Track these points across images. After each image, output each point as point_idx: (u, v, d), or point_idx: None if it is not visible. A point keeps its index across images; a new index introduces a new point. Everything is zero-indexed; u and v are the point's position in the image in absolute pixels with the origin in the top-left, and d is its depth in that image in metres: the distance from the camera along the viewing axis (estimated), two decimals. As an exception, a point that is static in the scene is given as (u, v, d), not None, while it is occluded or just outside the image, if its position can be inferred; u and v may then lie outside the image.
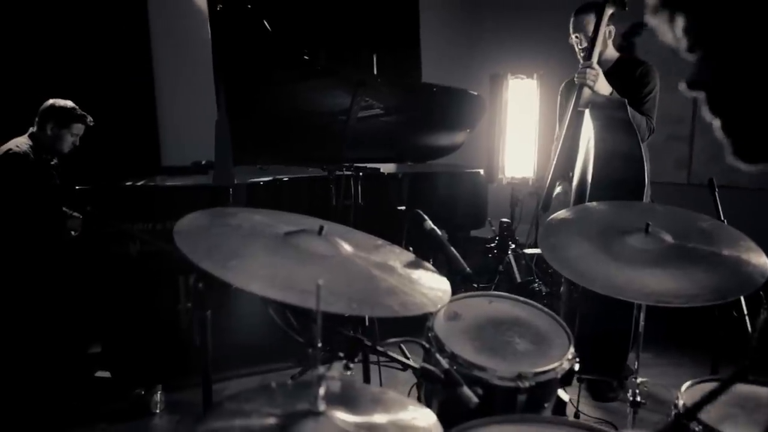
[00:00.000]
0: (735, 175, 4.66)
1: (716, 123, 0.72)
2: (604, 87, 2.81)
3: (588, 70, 2.76)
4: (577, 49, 2.99)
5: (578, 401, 2.50)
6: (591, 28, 2.85)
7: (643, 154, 2.91)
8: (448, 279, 1.44)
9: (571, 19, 2.98)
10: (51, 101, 3.37)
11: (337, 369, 1.02)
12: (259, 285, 1.10)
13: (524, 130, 4.05)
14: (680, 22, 0.69)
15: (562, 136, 2.94)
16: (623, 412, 2.02)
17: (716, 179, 2.44)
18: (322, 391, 0.99)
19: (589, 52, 2.81)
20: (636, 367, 1.85)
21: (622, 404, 2.39)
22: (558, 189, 3.10)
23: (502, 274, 3.40)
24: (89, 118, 3.40)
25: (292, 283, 1.13)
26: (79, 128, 3.40)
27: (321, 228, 1.37)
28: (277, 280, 1.14)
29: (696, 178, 5.39)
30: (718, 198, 2.30)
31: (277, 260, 1.23)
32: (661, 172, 5.60)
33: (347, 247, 1.38)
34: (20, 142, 3.32)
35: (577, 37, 2.97)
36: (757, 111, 0.69)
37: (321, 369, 1.01)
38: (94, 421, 2.84)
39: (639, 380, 1.83)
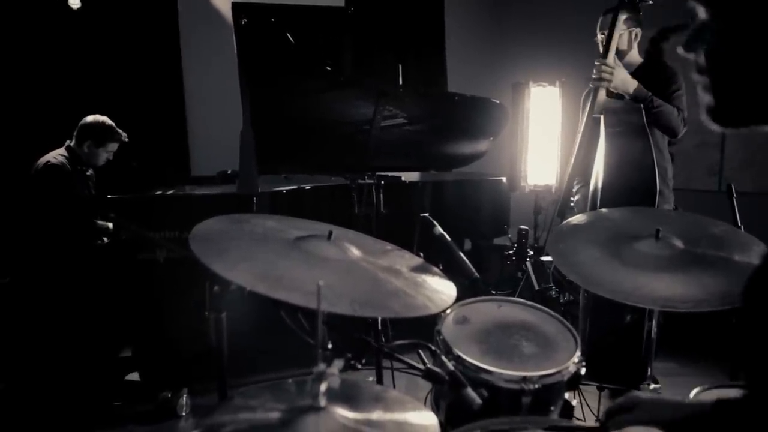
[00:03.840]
0: (766, 182, 4.58)
1: (702, 80, 0.74)
2: (623, 81, 2.75)
3: (603, 66, 2.73)
4: (600, 48, 2.98)
5: (598, 409, 2.50)
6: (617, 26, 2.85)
7: (661, 161, 2.89)
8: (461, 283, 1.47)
9: (600, 18, 2.98)
10: (90, 119, 3.52)
11: (337, 366, 1.06)
12: (266, 286, 1.16)
13: (547, 138, 4.05)
14: None
15: (578, 143, 2.94)
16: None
17: (747, 186, 2.42)
18: (323, 387, 1.04)
19: (604, 51, 2.78)
20: (649, 374, 1.85)
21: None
22: (576, 196, 3.10)
23: (523, 281, 3.40)
24: (124, 136, 3.57)
25: (298, 285, 1.18)
26: (113, 146, 3.57)
27: (330, 233, 1.42)
28: (283, 281, 1.19)
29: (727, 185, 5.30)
30: (736, 204, 2.29)
31: (285, 263, 1.28)
32: (692, 179, 5.54)
33: (355, 252, 1.43)
34: (57, 154, 3.47)
35: (603, 34, 2.95)
36: (749, 77, 0.71)
37: (322, 366, 1.05)
38: (123, 422, 2.94)
39: (652, 387, 1.83)
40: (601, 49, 2.95)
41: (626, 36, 2.91)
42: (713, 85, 0.74)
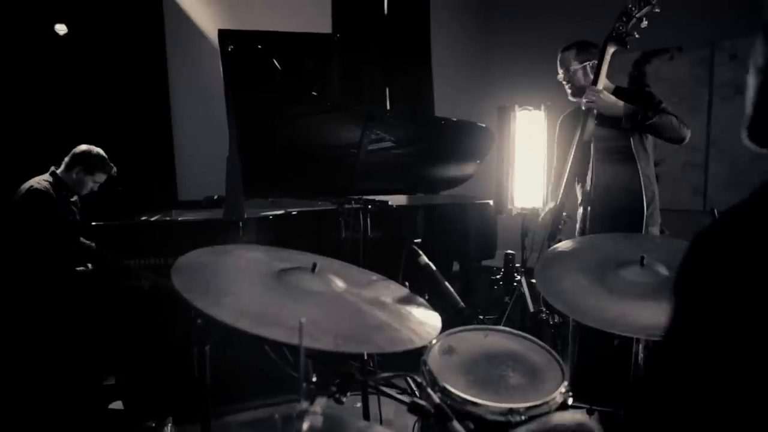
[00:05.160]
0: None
1: (751, 94, 0.76)
2: (612, 103, 2.81)
3: (591, 93, 2.80)
4: (565, 85, 3.07)
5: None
6: (572, 65, 2.98)
7: (648, 184, 2.92)
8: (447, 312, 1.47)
9: (558, 56, 3.07)
10: (85, 147, 3.53)
11: (320, 404, 1.04)
12: (248, 322, 1.14)
13: (532, 161, 4.07)
14: None
15: (568, 167, 2.97)
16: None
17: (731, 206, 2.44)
18: (306, 426, 1.03)
19: (594, 79, 2.85)
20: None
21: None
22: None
23: (511, 305, 3.39)
24: (114, 170, 3.57)
25: (281, 320, 1.17)
26: (102, 177, 3.57)
27: (314, 265, 1.41)
28: (266, 317, 1.18)
29: (711, 205, 5.37)
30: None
31: (268, 297, 1.27)
32: (677, 200, 5.59)
33: (339, 284, 1.42)
34: (41, 180, 3.45)
35: (558, 74, 3.05)
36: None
37: (305, 404, 1.04)
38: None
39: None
40: (565, 85, 3.05)
41: (581, 72, 2.99)
42: (756, 101, 0.76)
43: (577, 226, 2.92)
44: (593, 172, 2.74)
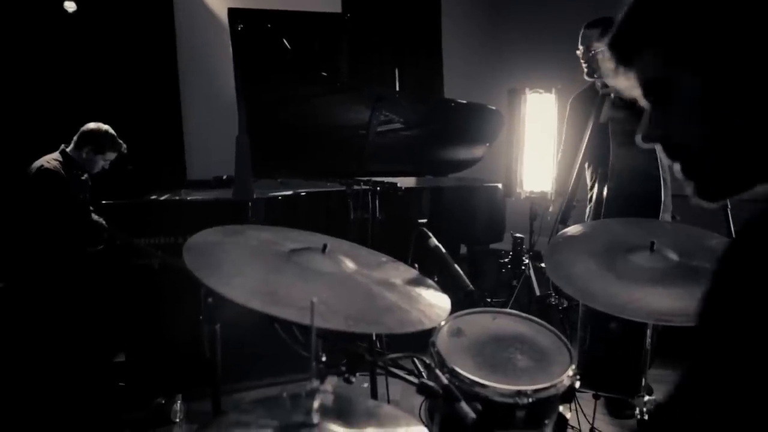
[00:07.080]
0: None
1: (677, 167, 0.75)
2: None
3: None
4: (581, 62, 3.03)
5: (594, 418, 2.50)
6: (593, 46, 2.90)
7: (661, 170, 2.90)
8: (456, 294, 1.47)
9: (581, 31, 3.01)
10: (93, 125, 3.50)
11: (331, 382, 1.05)
12: (260, 301, 1.15)
13: (542, 145, 4.04)
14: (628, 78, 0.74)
15: (582, 149, 2.95)
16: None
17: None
18: (316, 404, 1.04)
19: None
20: (643, 384, 1.86)
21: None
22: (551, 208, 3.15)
23: (518, 289, 3.40)
24: (124, 147, 3.56)
25: (292, 300, 1.18)
26: (112, 155, 3.55)
27: (325, 246, 1.42)
28: (277, 297, 1.18)
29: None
30: (730, 215, 2.29)
31: (279, 277, 1.28)
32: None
33: (350, 265, 1.42)
34: (51, 159, 3.45)
35: (578, 49, 3.01)
36: (706, 160, 0.72)
37: (315, 382, 1.05)
38: (116, 428, 2.92)
39: (647, 398, 1.83)
40: (581, 62, 3.01)
41: (601, 55, 2.94)
42: (683, 169, 0.75)
43: (588, 210, 2.91)
44: (611, 155, 2.73)
